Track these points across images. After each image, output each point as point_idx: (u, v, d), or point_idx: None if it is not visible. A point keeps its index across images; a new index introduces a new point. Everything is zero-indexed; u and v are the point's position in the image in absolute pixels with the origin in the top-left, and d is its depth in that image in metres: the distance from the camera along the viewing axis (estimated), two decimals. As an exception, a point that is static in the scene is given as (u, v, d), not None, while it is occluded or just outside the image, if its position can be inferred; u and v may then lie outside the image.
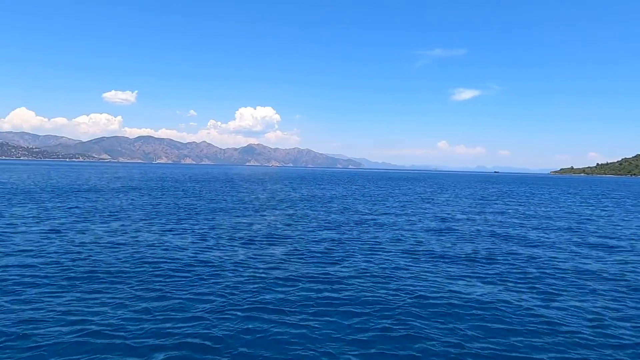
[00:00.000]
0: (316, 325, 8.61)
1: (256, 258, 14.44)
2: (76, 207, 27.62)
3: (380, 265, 14.16)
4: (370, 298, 10.57)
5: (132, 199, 34.44)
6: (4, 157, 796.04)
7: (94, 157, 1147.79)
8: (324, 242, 17.92)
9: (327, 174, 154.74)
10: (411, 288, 11.55)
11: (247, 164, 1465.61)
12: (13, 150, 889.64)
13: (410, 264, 14.45)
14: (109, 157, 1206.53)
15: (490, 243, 19.09)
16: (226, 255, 14.58)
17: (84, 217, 22.47)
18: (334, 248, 16.82)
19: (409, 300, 10.46)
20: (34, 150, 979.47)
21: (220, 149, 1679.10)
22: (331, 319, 9.05)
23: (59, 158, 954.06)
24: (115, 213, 24.84)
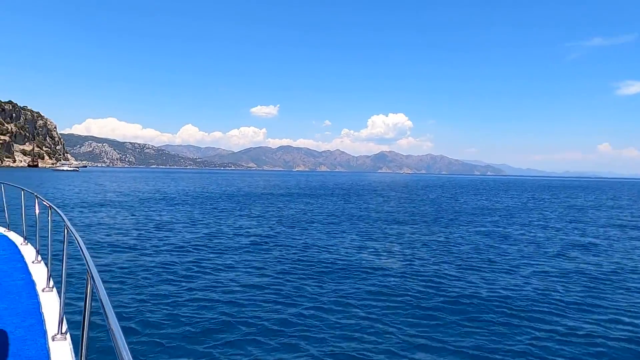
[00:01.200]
0: None
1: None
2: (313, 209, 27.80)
3: None
4: None
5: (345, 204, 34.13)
6: (176, 166, 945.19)
7: (242, 165, 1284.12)
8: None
9: (473, 182, 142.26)
10: None
11: (379, 171, 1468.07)
12: (182, 160, 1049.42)
13: None
14: (255, 166, 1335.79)
15: None
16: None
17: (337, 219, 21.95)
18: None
19: None
20: (197, 160, 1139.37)
21: (353, 156, 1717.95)
22: None
23: (215, 167, 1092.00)
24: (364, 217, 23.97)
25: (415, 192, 65.42)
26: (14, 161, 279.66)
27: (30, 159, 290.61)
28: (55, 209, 3.72)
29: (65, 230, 3.08)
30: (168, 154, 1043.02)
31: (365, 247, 16.48)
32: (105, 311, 1.69)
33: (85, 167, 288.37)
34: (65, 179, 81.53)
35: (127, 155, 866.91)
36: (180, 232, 18.58)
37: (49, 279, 4.42)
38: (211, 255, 14.03)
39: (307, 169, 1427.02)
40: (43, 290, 4.26)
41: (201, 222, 22.15)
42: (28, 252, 5.88)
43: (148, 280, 10.81)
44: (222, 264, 12.92)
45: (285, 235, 18.76)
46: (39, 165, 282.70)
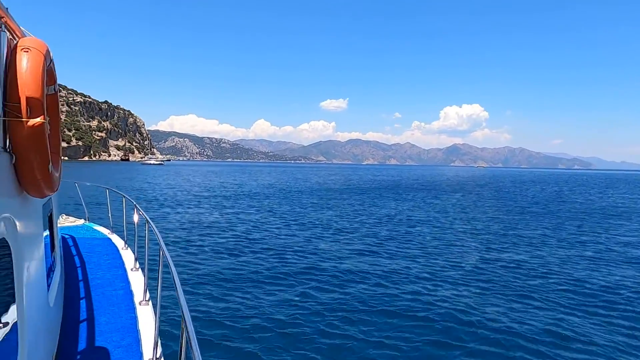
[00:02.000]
0: None
1: None
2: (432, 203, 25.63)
3: None
4: None
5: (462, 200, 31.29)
6: (249, 160, 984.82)
7: (312, 159, 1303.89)
8: None
9: (574, 177, 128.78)
10: None
11: (452, 164, 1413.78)
12: (255, 154, 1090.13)
13: None
14: (324, 159, 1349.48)
15: None
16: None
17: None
18: None
19: None
20: (269, 154, 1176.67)
21: (424, 149, 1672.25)
22: None
23: (286, 160, 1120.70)
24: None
25: (507, 188, 59.35)
26: (109, 155, 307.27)
27: (122, 154, 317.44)
28: (151, 225, 3.87)
29: (161, 249, 3.18)
30: (242, 148, 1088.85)
31: (503, 260, 13.44)
32: (190, 341, 1.65)
33: (169, 160, 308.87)
34: (153, 173, 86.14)
35: (205, 149, 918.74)
36: (276, 234, 16.90)
37: (145, 292, 4.53)
38: (315, 259, 11.96)
39: (376, 163, 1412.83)
40: (140, 304, 4.39)
41: (297, 221, 20.40)
42: (128, 258, 6.08)
43: (254, 293, 8.93)
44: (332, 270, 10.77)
45: (393, 240, 16.23)
46: (130, 159, 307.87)
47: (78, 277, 5.26)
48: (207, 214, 21.81)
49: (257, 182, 57.70)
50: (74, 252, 6.44)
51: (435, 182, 74.10)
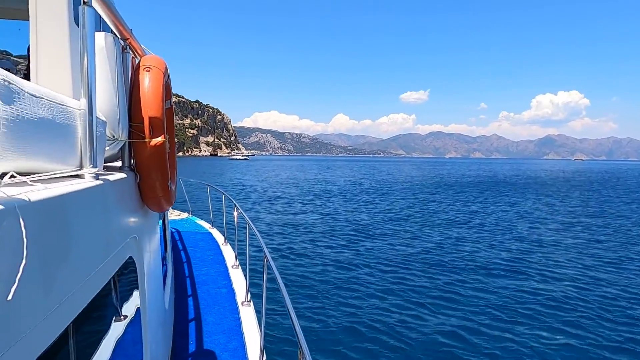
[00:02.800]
0: None
1: None
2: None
3: None
4: None
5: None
6: (328, 154, 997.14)
7: (391, 152, 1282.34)
8: None
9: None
10: None
11: (545, 157, 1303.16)
12: (334, 148, 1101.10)
13: None
14: (404, 153, 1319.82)
15: None
16: None
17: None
18: None
19: None
20: (348, 148, 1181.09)
21: (513, 141, 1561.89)
22: None
23: (365, 154, 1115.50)
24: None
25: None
26: (200, 151, 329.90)
27: (211, 149, 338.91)
28: (251, 226, 4.09)
29: (264, 253, 3.23)
30: (321, 143, 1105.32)
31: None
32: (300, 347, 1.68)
33: (253, 155, 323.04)
34: (241, 168, 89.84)
35: (287, 144, 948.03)
36: (375, 233, 15.76)
37: (247, 292, 4.65)
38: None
39: (459, 156, 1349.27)
40: (242, 304, 4.48)
41: (401, 222, 19.06)
42: (228, 254, 6.22)
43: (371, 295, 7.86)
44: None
45: (538, 252, 14.22)
46: (218, 154, 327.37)
47: (185, 273, 5.49)
48: (301, 212, 21.30)
49: (343, 177, 57.06)
50: (180, 246, 6.81)
51: (558, 177, 67.19)
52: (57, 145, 0.97)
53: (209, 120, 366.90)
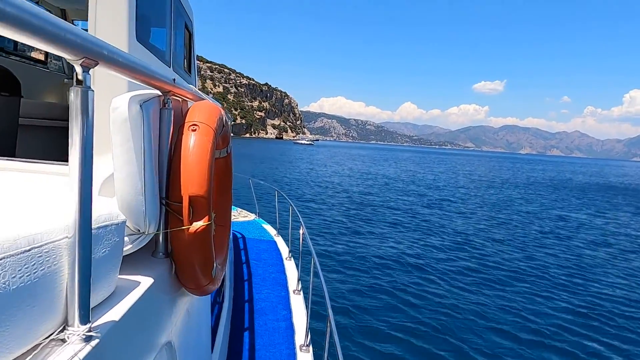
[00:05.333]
0: None
1: None
2: None
3: None
4: None
5: None
6: (393, 143, 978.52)
7: (459, 145, 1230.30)
8: None
9: None
10: None
11: (634, 159, 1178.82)
12: (399, 137, 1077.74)
13: None
14: (473, 146, 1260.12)
15: None
16: None
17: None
18: None
19: None
20: (414, 137, 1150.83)
21: (597, 140, 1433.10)
22: None
23: (431, 145, 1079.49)
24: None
25: None
26: (266, 133, 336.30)
27: (277, 132, 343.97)
28: (315, 260, 3.91)
29: (323, 289, 3.11)
30: (386, 131, 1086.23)
31: None
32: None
33: (317, 140, 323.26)
34: (306, 154, 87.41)
35: (351, 130, 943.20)
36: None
37: (307, 334, 4.28)
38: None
39: (534, 152, 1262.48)
40: (300, 349, 4.12)
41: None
42: (291, 273, 6.03)
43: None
44: None
45: None
46: (283, 137, 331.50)
47: (244, 295, 5.29)
48: (387, 215, 17.71)
49: (412, 173, 52.08)
50: (242, 257, 6.58)
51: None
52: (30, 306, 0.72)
53: (277, 103, 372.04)
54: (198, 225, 1.46)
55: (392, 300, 9.01)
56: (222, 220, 2.13)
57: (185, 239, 1.47)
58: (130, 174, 1.27)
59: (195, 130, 1.52)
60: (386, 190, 29.68)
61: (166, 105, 1.47)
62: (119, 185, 1.28)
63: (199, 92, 2.06)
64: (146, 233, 1.37)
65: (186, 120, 1.56)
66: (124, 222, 1.10)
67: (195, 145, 1.49)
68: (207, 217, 1.49)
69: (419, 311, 8.49)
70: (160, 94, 1.44)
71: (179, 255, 1.52)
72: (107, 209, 1.03)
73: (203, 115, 1.59)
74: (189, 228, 1.45)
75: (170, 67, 2.55)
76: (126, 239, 1.23)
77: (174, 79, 1.48)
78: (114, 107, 1.24)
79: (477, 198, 29.39)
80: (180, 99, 1.72)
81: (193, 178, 1.46)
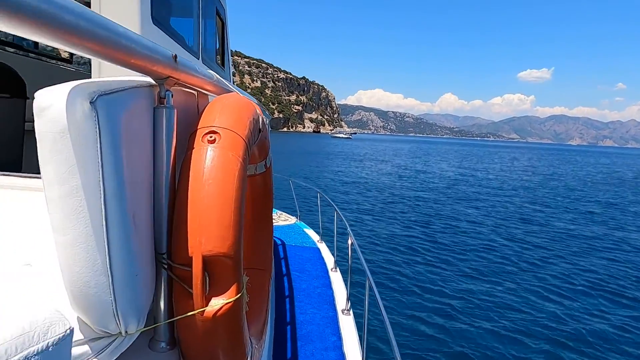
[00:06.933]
0: None
1: None
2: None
3: None
4: None
5: None
6: (432, 135, 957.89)
7: (503, 136, 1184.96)
8: None
9: None
10: None
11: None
12: (439, 129, 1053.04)
13: None
14: (518, 137, 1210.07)
15: None
16: None
17: None
18: None
19: None
20: (454, 129, 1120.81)
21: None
22: None
23: (472, 137, 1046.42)
24: None
25: None
26: (304, 127, 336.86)
27: (314, 126, 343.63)
28: (369, 277, 3.37)
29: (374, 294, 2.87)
30: (425, 123, 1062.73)
31: None
32: None
33: (355, 133, 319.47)
34: (346, 149, 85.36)
35: (389, 123, 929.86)
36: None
37: (361, 352, 3.80)
38: None
39: (584, 143, 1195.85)
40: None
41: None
42: (338, 288, 5.30)
43: None
44: None
45: None
46: (321, 131, 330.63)
47: (286, 316, 4.60)
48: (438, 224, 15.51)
49: (469, 170, 48.88)
50: (283, 268, 5.81)
51: None
52: None
53: (314, 97, 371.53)
54: (220, 303, 0.92)
55: (463, 325, 7.16)
56: (261, 263, 1.61)
57: (200, 325, 0.94)
58: (80, 235, 0.73)
59: (214, 141, 0.97)
60: (443, 194, 27.14)
61: (164, 101, 0.91)
62: (63, 256, 0.75)
63: (223, 80, 1.48)
64: (122, 334, 0.83)
65: (200, 126, 1.01)
66: (70, 333, 0.59)
67: (213, 167, 0.94)
68: (235, 286, 0.96)
69: (510, 342, 6.71)
70: (152, 82, 0.91)
71: (190, 346, 0.98)
72: (37, 309, 0.57)
73: (227, 116, 1.05)
74: (204, 311, 0.91)
75: (199, 60, 2.07)
76: (84, 348, 0.76)
77: (175, 56, 0.92)
78: (40, 108, 0.71)
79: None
80: (194, 92, 1.22)
81: (211, 222, 0.91)
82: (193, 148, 0.95)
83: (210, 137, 0.96)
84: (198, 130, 0.98)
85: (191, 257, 0.88)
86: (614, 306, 8.70)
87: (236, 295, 0.94)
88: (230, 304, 0.92)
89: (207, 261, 0.89)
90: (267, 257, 1.65)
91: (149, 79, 0.88)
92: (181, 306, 0.91)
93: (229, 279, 0.93)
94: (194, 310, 0.88)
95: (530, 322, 7.75)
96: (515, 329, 7.37)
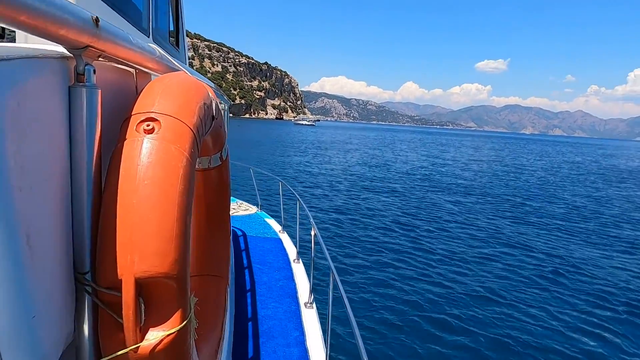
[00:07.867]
0: None
1: None
2: None
3: None
4: None
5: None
6: (394, 123, 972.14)
7: (461, 125, 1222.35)
8: None
9: None
10: None
11: (637, 138, 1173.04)
12: (400, 117, 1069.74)
13: None
14: (475, 126, 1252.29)
15: None
16: None
17: None
18: None
19: None
20: (415, 117, 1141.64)
21: (600, 119, 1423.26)
22: None
23: (432, 125, 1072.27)
24: None
25: None
26: (266, 114, 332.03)
27: (277, 112, 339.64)
28: (323, 248, 3.43)
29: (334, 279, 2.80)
30: (387, 111, 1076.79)
31: None
32: None
33: (318, 120, 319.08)
34: (309, 137, 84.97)
35: (352, 110, 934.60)
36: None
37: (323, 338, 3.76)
38: None
39: (536, 132, 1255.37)
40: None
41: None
42: (300, 281, 5.16)
43: None
44: None
45: None
46: (283, 117, 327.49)
47: (247, 311, 4.35)
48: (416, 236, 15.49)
49: (429, 158, 49.56)
50: (244, 261, 5.57)
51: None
52: None
53: (277, 83, 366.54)
54: (159, 336, 0.72)
55: (430, 314, 7.16)
56: (216, 269, 1.41)
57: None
58: None
59: (152, 130, 0.76)
60: (409, 184, 27.32)
61: (83, 78, 0.69)
62: None
63: (169, 57, 1.23)
64: None
65: (134, 112, 0.79)
66: None
67: (151, 163, 0.73)
68: (179, 313, 0.76)
69: (472, 338, 6.62)
70: (65, 53, 0.68)
71: None
72: None
73: (171, 100, 0.83)
74: (138, 347, 0.71)
75: (149, 37, 1.76)
76: None
77: (96, 19, 0.67)
78: None
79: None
80: (131, 70, 0.97)
81: (147, 234, 0.70)
82: (125, 139, 0.74)
83: (148, 125, 0.75)
84: (132, 117, 0.77)
85: (120, 280, 0.68)
86: (581, 294, 8.81)
87: (180, 324, 0.75)
88: (172, 336, 0.73)
89: (141, 284, 0.69)
90: (224, 262, 1.44)
91: (60, 49, 0.66)
92: (110, 341, 0.71)
93: (170, 305, 0.74)
94: (125, 348, 0.69)
95: (494, 310, 7.74)
96: (479, 320, 7.32)
